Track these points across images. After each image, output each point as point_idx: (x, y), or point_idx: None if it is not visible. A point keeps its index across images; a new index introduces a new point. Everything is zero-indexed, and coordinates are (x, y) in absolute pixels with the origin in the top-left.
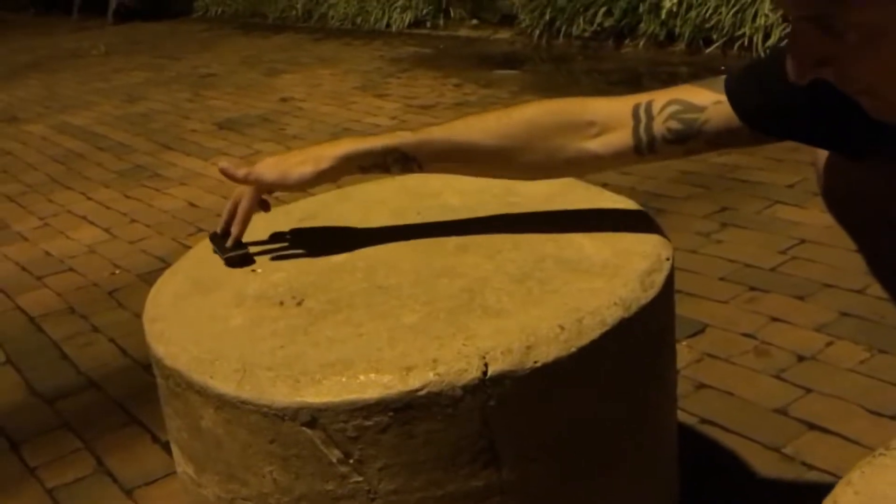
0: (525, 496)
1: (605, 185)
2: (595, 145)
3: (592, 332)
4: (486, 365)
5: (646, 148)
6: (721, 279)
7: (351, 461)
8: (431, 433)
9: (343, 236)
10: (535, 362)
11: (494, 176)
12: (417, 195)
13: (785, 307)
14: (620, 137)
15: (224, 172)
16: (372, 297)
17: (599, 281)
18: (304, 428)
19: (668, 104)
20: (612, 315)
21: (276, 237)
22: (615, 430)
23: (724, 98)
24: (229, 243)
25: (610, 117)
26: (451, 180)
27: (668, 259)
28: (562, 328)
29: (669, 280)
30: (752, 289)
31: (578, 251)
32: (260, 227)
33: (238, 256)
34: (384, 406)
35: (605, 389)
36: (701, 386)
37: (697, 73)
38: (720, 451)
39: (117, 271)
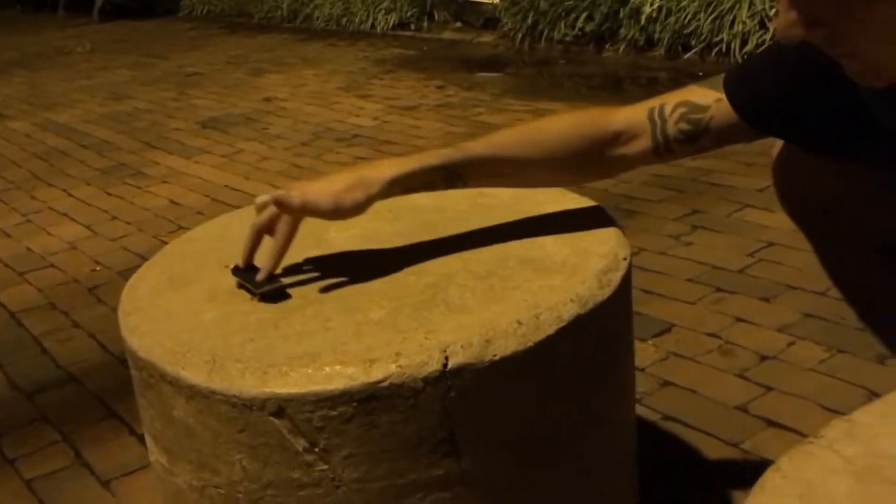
0: (484, 486)
1: (582, 190)
2: (622, 151)
3: (549, 328)
4: (446, 358)
5: (663, 149)
6: (689, 280)
7: (316, 450)
8: (394, 423)
9: (315, 234)
10: (494, 355)
11: (532, 186)
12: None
13: (750, 308)
14: (641, 142)
15: (280, 202)
16: (341, 292)
17: (558, 279)
18: (271, 418)
19: (677, 106)
20: (569, 311)
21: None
22: (572, 423)
23: (724, 95)
24: (262, 276)
25: (630, 125)
26: None
27: (625, 259)
28: (520, 323)
29: (626, 279)
30: (719, 290)
31: (541, 250)
32: (237, 224)
33: (273, 291)
34: (348, 397)
35: (562, 383)
36: (665, 384)
37: (676, 79)
38: (681, 447)
39: (98, 268)
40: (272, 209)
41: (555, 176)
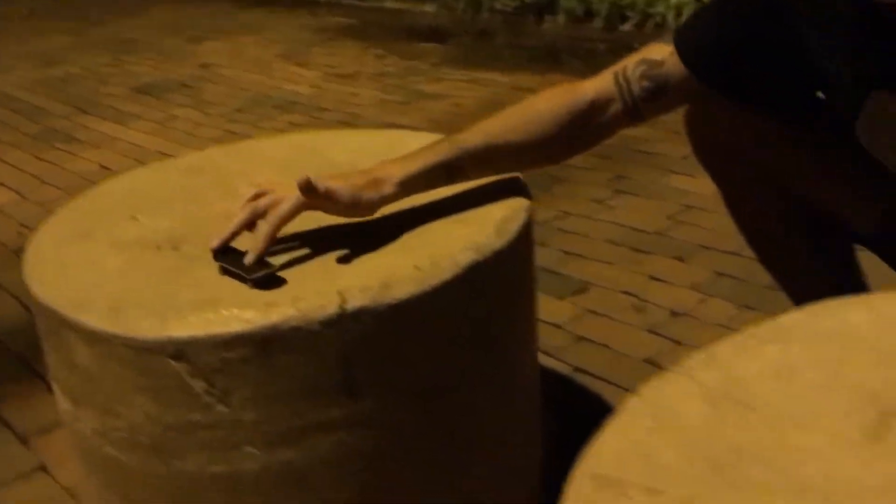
0: (385, 427)
1: None
2: (598, 120)
3: (446, 273)
4: (344, 301)
5: (633, 111)
6: (609, 242)
7: (216, 392)
8: (292, 366)
9: (227, 187)
10: (392, 299)
11: (528, 168)
12: (305, 151)
13: (665, 268)
14: (613, 107)
15: (307, 186)
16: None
17: (460, 229)
18: (170, 361)
19: (637, 65)
20: (466, 258)
21: (162, 190)
22: (471, 369)
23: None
24: (250, 260)
25: (600, 92)
26: (340, 137)
27: (525, 209)
28: (418, 268)
29: (525, 229)
30: (637, 251)
31: (447, 203)
32: (147, 178)
33: (266, 276)
34: (246, 339)
35: (460, 328)
36: (580, 339)
37: (614, 50)
38: (590, 398)
39: (24, 231)
40: (275, 195)
41: (547, 155)
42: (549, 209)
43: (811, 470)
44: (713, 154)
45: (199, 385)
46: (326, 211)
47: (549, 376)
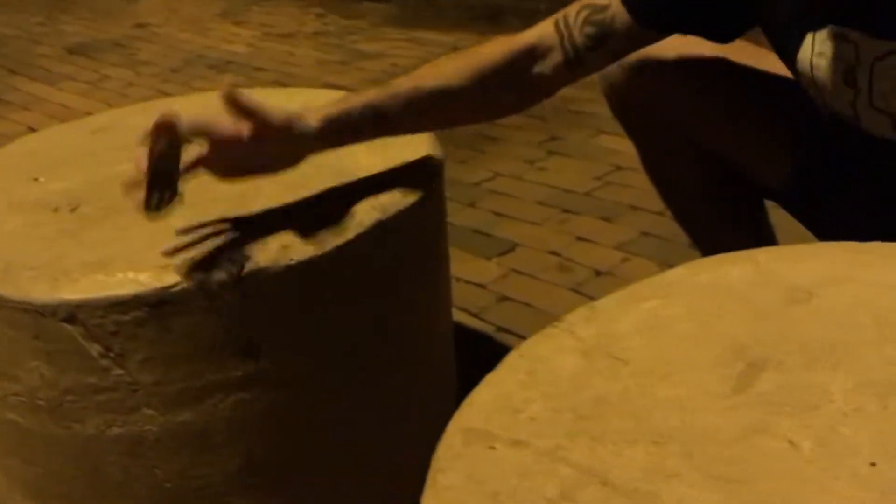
0: (284, 386)
1: None
2: (537, 70)
3: (348, 233)
4: (241, 263)
5: (574, 61)
6: (538, 203)
7: (111, 355)
8: (189, 327)
9: (132, 149)
10: (291, 260)
11: (464, 122)
12: (213, 110)
13: (592, 228)
14: (554, 56)
15: (230, 96)
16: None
17: (366, 189)
18: (64, 324)
19: (580, 10)
20: (370, 217)
21: (67, 150)
22: (377, 326)
23: None
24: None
25: (541, 38)
26: (256, 97)
27: (433, 169)
28: (319, 229)
29: (434, 189)
30: (565, 211)
31: (354, 162)
32: (53, 139)
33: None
34: (140, 302)
35: (364, 287)
36: (503, 299)
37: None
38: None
39: None
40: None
41: (481, 106)
42: (480, 170)
43: (673, 420)
44: (629, 112)
45: (94, 348)
46: (231, 149)
47: (472, 336)
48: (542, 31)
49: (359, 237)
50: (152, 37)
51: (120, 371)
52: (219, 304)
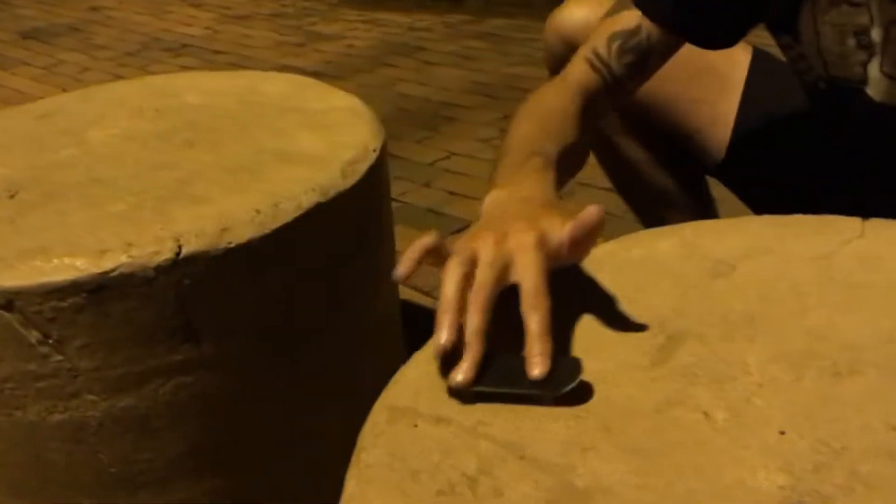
0: (225, 370)
1: (402, 95)
2: (594, 107)
3: (287, 216)
4: (179, 247)
5: (615, 89)
6: None
7: (50, 341)
8: (128, 312)
9: (74, 132)
10: (229, 243)
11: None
12: (159, 94)
13: None
14: (600, 93)
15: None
16: (87, 189)
17: (304, 170)
18: (1, 311)
19: (610, 41)
20: (308, 200)
21: (8, 136)
22: (318, 308)
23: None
24: (542, 367)
25: (582, 83)
26: (196, 80)
27: (375, 151)
28: (258, 212)
29: (375, 170)
30: None
31: (294, 144)
32: None
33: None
34: (77, 288)
35: (305, 269)
36: None
37: None
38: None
39: None
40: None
41: (580, 152)
42: (435, 150)
43: (594, 394)
44: None
45: (32, 335)
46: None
47: (423, 314)
48: (580, 75)
49: (297, 219)
50: (108, 20)
51: (59, 357)
52: (157, 289)
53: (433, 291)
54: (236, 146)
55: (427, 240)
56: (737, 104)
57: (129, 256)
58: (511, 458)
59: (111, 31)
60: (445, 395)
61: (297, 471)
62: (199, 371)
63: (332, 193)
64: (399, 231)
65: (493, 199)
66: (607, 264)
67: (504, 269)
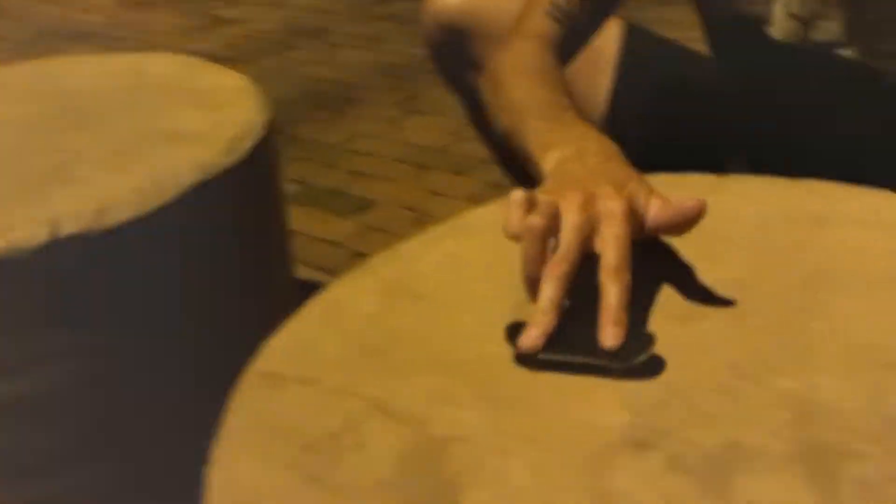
0: (108, 354)
1: (307, 78)
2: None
3: (167, 195)
4: (56, 229)
5: (573, 40)
6: (396, 160)
7: None
8: (6, 297)
9: None
10: (108, 224)
11: None
12: (44, 78)
13: (445, 182)
14: (563, 47)
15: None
16: None
17: (188, 149)
18: None
19: None
20: (190, 178)
21: None
22: (202, 290)
23: None
24: (616, 336)
25: (551, 38)
26: (80, 63)
27: (261, 128)
28: (137, 191)
29: (261, 148)
30: (421, 167)
31: (179, 123)
32: None
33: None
34: None
35: (189, 248)
36: (357, 255)
37: None
38: None
39: None
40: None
41: None
42: (340, 131)
43: (463, 351)
44: (453, 70)
45: None
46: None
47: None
48: (543, 28)
49: (178, 198)
50: (3, 9)
51: None
52: (35, 273)
53: (336, 269)
54: (120, 128)
55: (520, 193)
56: (611, 76)
57: (5, 241)
58: (376, 414)
59: (7, 20)
60: (314, 358)
61: (188, 454)
62: (86, 355)
63: (214, 171)
64: (301, 212)
65: (561, 160)
66: (476, 229)
67: (589, 236)
